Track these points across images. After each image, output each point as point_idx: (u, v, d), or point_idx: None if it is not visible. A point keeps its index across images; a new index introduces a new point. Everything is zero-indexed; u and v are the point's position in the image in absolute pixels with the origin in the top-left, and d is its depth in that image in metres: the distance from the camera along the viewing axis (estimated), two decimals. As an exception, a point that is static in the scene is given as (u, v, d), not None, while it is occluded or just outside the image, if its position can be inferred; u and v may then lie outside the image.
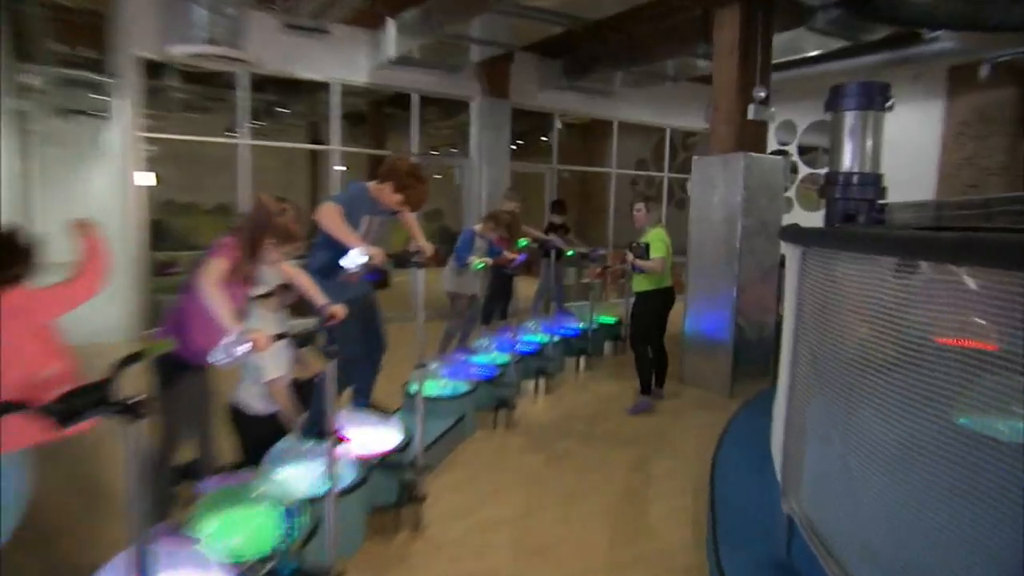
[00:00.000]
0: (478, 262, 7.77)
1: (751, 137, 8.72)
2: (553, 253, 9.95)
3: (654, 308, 7.74)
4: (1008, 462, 2.71)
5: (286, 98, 15.15)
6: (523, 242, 8.59)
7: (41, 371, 3.47)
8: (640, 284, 7.74)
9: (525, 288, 10.65)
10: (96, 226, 4.34)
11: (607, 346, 10.31)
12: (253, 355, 3.57)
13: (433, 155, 15.49)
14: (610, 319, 10.37)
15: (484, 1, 9.10)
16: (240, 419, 5.02)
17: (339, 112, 12.14)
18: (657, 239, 7.64)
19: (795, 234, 4.38)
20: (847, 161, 8.10)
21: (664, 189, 17.44)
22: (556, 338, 9.25)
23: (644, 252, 7.57)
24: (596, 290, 11.19)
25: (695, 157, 8.66)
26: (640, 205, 7.83)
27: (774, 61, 9.30)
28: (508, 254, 8.26)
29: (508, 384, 7.68)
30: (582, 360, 9.59)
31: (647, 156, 17.85)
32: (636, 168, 17.94)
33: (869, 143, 8.07)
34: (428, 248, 5.25)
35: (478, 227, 8.50)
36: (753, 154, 8.41)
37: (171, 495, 4.38)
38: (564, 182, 16.20)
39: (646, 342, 7.84)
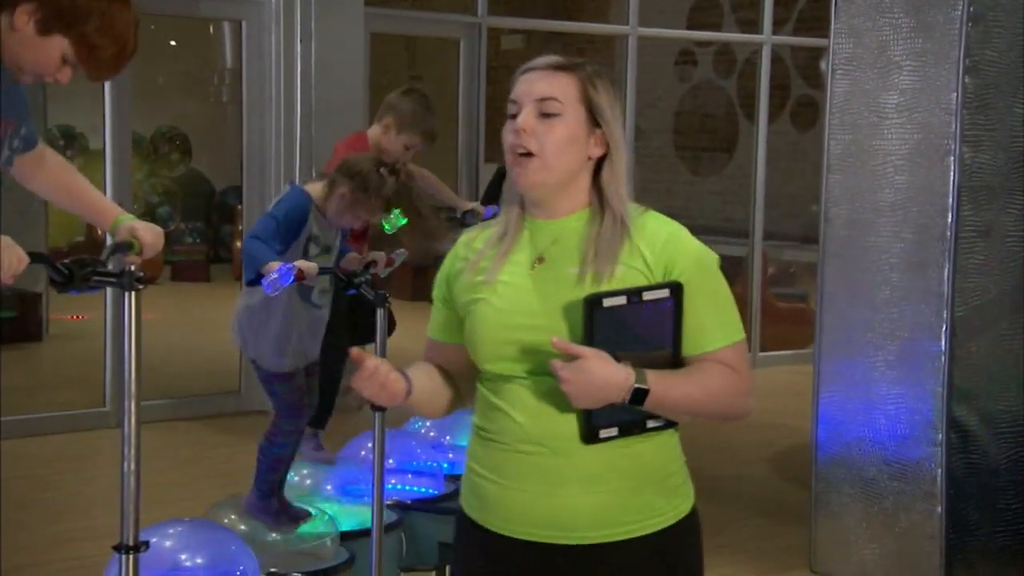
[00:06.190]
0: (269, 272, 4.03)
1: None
2: None
3: None
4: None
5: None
6: (401, 219, 4.57)
7: None
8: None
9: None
10: None
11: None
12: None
13: None
14: None
15: None
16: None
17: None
18: (660, 231, 2.09)
19: None
20: None
21: (762, 80, 9.69)
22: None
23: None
24: None
25: (838, -7, 5.23)
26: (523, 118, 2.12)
27: None
28: (367, 254, 4.46)
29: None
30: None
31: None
32: (689, 22, 12.48)
33: None
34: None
35: (315, 188, 4.39)
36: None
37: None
38: (506, 66, 10.98)
39: None
